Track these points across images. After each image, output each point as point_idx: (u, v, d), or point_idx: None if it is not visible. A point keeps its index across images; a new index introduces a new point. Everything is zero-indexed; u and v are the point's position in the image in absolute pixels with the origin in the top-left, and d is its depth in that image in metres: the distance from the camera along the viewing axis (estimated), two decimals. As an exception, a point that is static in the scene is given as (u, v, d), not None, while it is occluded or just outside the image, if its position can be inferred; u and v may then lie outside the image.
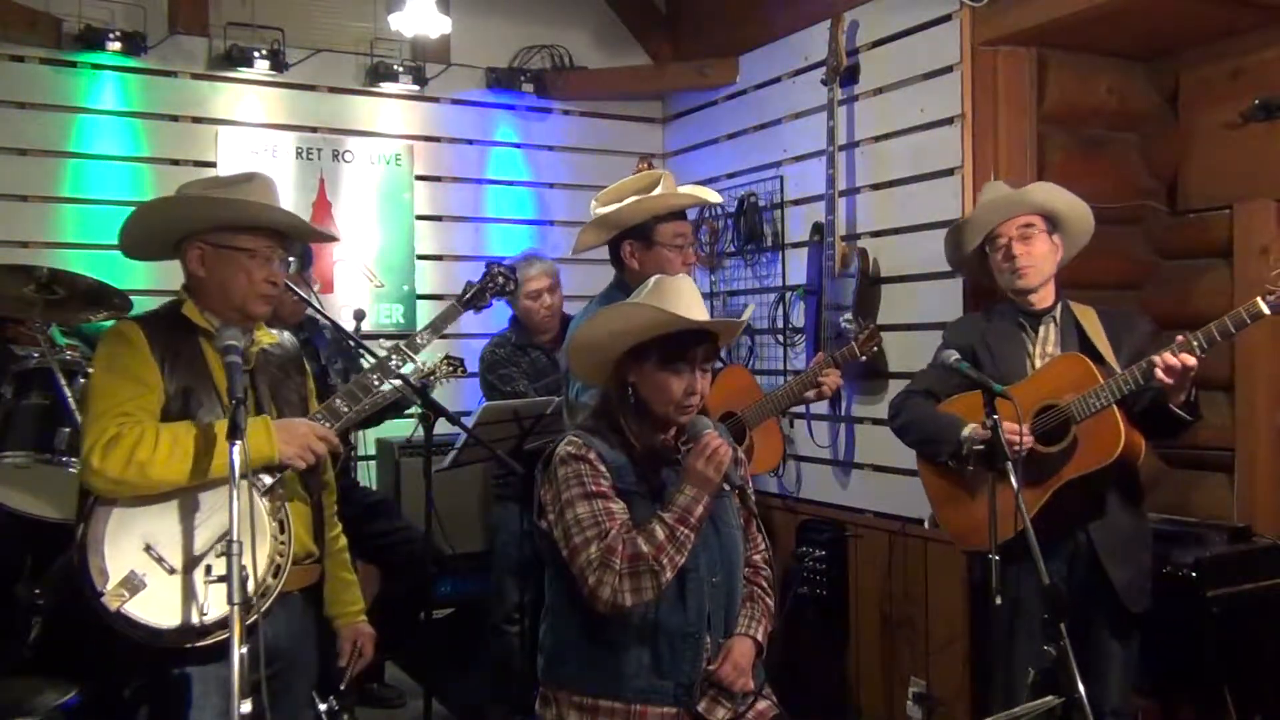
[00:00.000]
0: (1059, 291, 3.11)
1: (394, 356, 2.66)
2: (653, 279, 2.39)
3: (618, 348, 2.34)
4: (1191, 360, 2.66)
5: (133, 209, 2.50)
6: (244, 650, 1.97)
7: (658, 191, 3.00)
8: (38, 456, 3.17)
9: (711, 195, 3.27)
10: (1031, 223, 3.03)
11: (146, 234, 2.50)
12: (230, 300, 2.43)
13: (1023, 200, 3.06)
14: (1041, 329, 3.08)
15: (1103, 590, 2.90)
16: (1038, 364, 3.04)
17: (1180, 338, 2.70)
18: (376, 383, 2.59)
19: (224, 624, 2.22)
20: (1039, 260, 3.02)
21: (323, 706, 2.60)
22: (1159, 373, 2.68)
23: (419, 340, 2.67)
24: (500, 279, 2.83)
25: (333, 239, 2.83)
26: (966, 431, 2.96)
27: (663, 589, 2.21)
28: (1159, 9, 3.48)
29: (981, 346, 3.07)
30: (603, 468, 2.29)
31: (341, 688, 2.61)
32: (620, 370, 2.36)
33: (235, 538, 2.03)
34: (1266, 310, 2.63)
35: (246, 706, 1.94)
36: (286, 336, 2.68)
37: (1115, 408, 2.81)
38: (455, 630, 4.71)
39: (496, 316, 4.42)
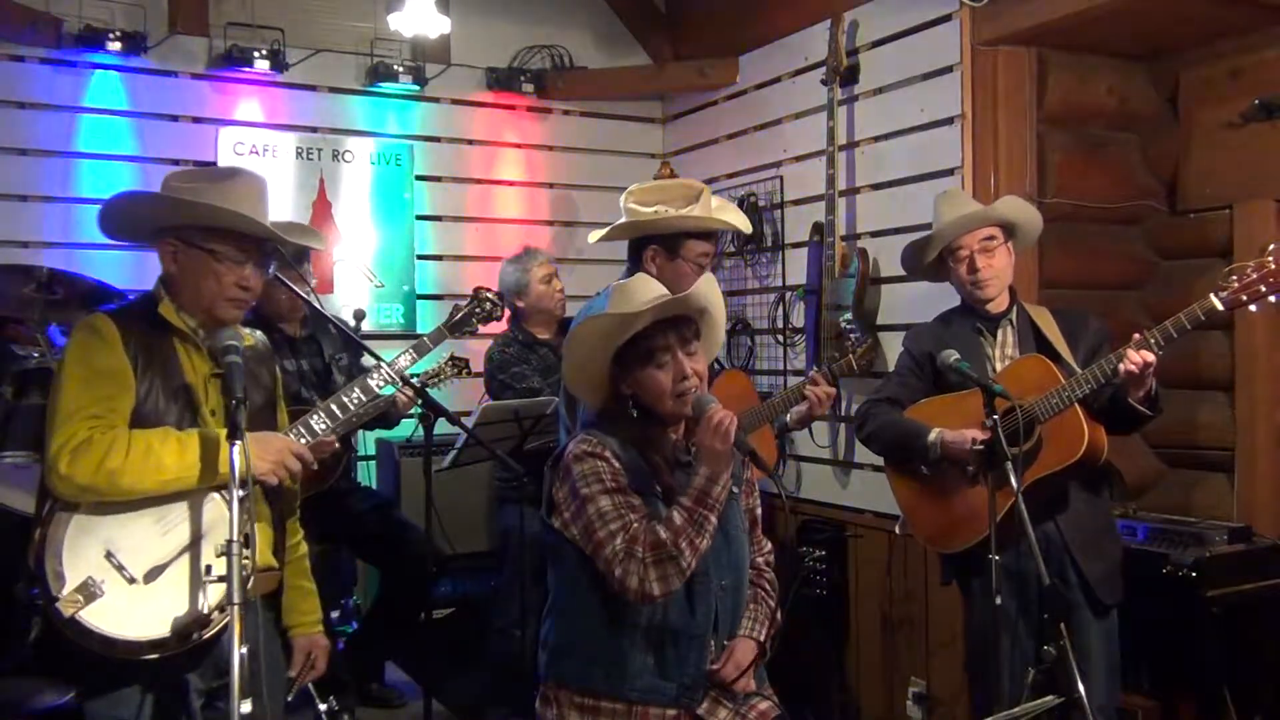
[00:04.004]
0: (1013, 294, 3.17)
1: (375, 376, 2.62)
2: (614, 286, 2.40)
3: (601, 362, 2.35)
4: (1151, 356, 2.72)
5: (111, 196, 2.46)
6: (244, 650, 1.95)
7: (697, 209, 2.97)
8: (38, 456, 3.17)
9: (745, 224, 3.20)
10: (993, 235, 3.10)
11: (122, 223, 2.47)
12: (200, 302, 2.36)
13: (989, 215, 3.12)
14: (999, 332, 3.14)
15: (1077, 585, 2.94)
16: (999, 367, 3.09)
17: (1137, 335, 2.76)
18: (355, 402, 2.55)
19: (181, 637, 2.19)
20: (1000, 271, 3.10)
21: (323, 707, 2.59)
22: (1124, 368, 2.73)
23: (402, 361, 2.64)
24: (487, 304, 2.80)
25: (308, 248, 2.75)
26: (932, 436, 3.01)
27: (687, 574, 2.19)
28: (1159, 9, 3.48)
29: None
30: (618, 465, 2.29)
31: (289, 699, 2.51)
32: (614, 386, 2.37)
33: (235, 538, 2.02)
34: (1220, 306, 2.68)
35: (247, 707, 1.93)
36: (259, 335, 2.62)
37: (1077, 406, 2.86)
38: (455, 630, 4.70)
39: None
